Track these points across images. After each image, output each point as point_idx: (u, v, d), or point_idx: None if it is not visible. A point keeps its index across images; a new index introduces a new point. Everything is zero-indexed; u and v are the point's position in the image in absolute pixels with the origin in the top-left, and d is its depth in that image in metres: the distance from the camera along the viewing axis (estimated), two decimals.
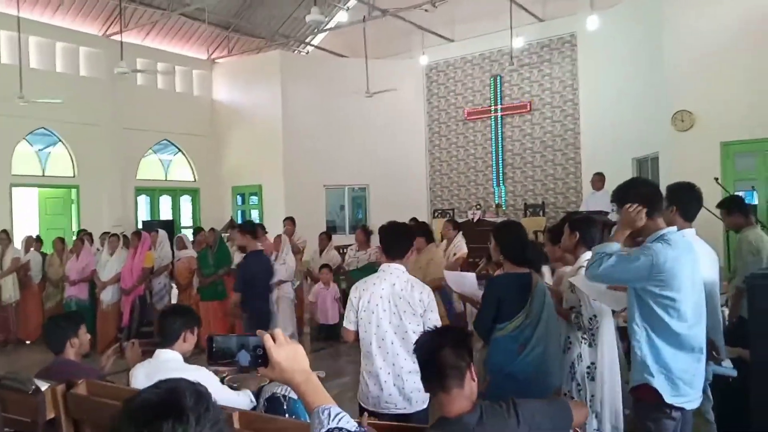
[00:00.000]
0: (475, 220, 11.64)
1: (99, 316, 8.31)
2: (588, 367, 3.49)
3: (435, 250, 6.32)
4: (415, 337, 3.26)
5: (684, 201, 3.41)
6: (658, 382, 2.83)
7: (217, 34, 15.60)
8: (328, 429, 1.40)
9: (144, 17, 13.77)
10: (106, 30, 13.55)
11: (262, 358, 1.47)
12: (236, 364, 1.51)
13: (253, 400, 3.02)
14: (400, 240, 3.52)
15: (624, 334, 3.81)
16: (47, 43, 12.73)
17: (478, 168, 15.35)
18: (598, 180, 10.02)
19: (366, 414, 2.92)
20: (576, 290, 3.53)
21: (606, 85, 12.70)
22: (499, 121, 14.91)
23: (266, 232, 9.08)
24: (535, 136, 14.51)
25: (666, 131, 10.24)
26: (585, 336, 3.52)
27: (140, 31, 14.11)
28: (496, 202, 14.69)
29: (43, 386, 2.73)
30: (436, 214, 15.02)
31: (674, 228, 2.97)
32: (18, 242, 9.76)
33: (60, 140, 12.81)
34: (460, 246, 7.59)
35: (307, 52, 17.75)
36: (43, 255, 9.57)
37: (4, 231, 9.44)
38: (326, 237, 9.32)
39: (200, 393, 1.19)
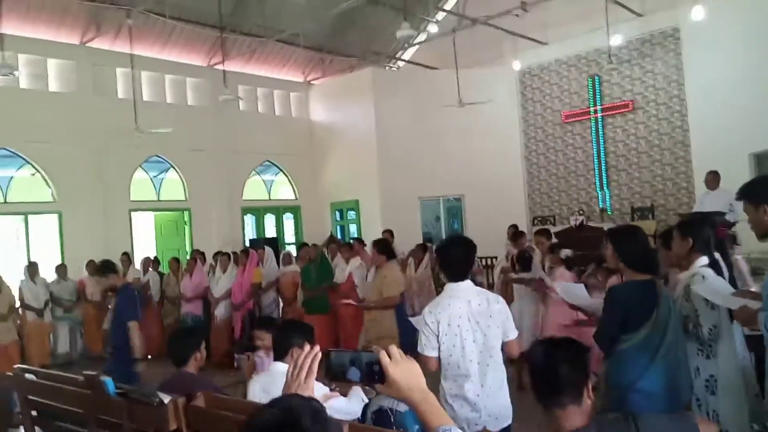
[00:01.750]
0: (576, 226, 11.24)
1: (213, 331, 8.74)
2: (707, 380, 3.24)
3: (392, 268, 5.89)
4: (501, 353, 3.18)
5: None
6: None
7: (311, 57, 16.12)
8: None
9: (243, 46, 14.48)
10: (210, 60, 14.36)
11: (378, 374, 1.46)
12: (348, 381, 1.52)
13: (365, 398, 3.03)
14: (461, 263, 3.31)
15: (752, 344, 3.52)
16: (157, 76, 13.68)
17: (579, 172, 14.83)
18: (713, 179, 9.36)
19: (485, 427, 2.82)
20: (693, 299, 3.29)
21: (716, 78, 11.91)
22: (599, 122, 14.36)
23: (365, 245, 9.21)
24: (640, 135, 13.84)
25: None
26: (702, 347, 3.28)
27: (240, 59, 14.84)
28: (600, 206, 14.12)
29: (166, 399, 2.88)
30: (535, 222, 14.64)
31: None
32: (137, 263, 10.49)
33: (172, 166, 13.68)
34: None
35: (399, 67, 17.95)
36: (161, 275, 10.22)
37: (125, 253, 10.18)
38: (421, 249, 9.29)
39: (316, 410, 1.20)
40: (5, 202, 11.33)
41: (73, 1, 11.51)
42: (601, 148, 14.35)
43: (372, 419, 2.97)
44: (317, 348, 1.53)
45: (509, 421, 3.21)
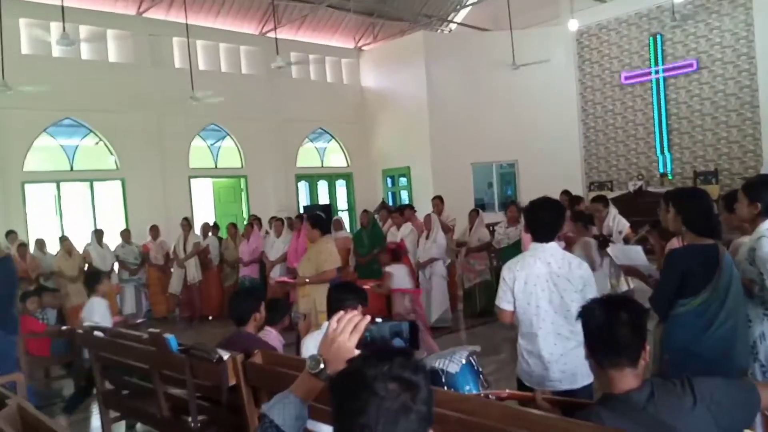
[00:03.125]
0: (635, 191, 10.92)
1: (269, 293, 8.99)
2: None
3: (327, 243, 5.77)
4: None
5: None
6: None
7: (362, 22, 16.00)
8: None
9: (295, 12, 14.49)
10: (262, 28, 14.44)
11: (410, 342, 1.52)
12: None
13: None
14: (548, 224, 3.32)
15: None
16: (212, 45, 13.87)
17: (638, 135, 14.34)
18: None
19: (539, 391, 2.84)
20: (757, 262, 3.17)
21: None
22: (661, 83, 13.79)
23: (415, 212, 9.23)
24: (704, 96, 13.23)
25: None
26: (767, 312, 3.17)
27: (292, 27, 14.86)
28: (661, 171, 13.66)
29: (225, 356, 3.01)
30: (592, 187, 14.30)
31: None
32: (197, 229, 10.84)
33: (228, 134, 13.94)
34: (622, 222, 7.15)
35: (450, 30, 17.62)
36: (220, 239, 10.54)
37: (186, 219, 10.52)
38: (475, 213, 9.25)
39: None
40: (72, 169, 11.83)
41: None
42: (663, 111, 13.80)
43: None
44: (368, 317, 1.54)
45: (589, 380, 3.20)
